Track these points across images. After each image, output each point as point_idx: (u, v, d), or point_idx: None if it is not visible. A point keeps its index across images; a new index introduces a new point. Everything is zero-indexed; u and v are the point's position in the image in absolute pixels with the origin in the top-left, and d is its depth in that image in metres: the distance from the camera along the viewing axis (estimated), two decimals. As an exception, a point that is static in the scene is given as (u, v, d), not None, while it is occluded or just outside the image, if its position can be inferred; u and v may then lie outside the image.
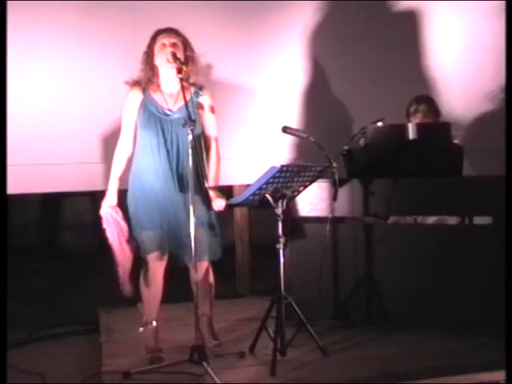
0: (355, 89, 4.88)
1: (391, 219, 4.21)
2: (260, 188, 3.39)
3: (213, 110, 3.66)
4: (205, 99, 3.63)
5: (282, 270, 3.48)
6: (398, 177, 3.93)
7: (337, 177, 3.74)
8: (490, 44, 5.01)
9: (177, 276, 3.66)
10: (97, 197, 3.94)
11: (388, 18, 5.02)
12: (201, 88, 3.62)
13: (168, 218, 3.50)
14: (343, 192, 3.97)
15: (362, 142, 4.01)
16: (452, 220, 4.14)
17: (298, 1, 4.81)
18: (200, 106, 3.61)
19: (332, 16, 4.88)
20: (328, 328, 3.97)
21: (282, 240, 3.46)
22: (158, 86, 3.60)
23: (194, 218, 3.26)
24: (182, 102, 3.44)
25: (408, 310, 3.98)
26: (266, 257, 3.94)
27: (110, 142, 4.20)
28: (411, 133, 3.98)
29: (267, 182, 3.37)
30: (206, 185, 3.39)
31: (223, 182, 3.74)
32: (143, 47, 3.62)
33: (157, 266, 3.55)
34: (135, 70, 3.63)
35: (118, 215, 3.55)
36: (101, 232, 3.56)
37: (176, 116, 3.54)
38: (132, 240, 3.55)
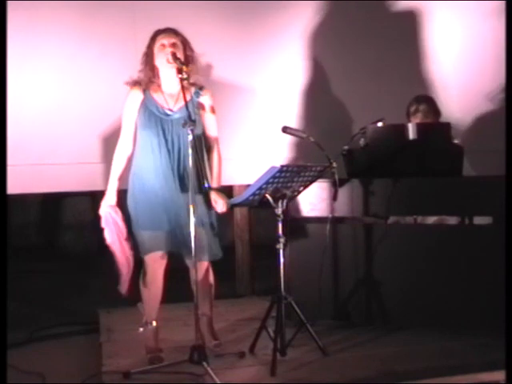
0: (355, 89, 4.88)
1: (391, 219, 4.21)
2: (260, 188, 3.39)
3: (213, 110, 3.66)
4: (205, 99, 3.63)
5: (282, 270, 3.48)
6: (398, 177, 3.93)
7: (337, 177, 3.74)
8: (489, 44, 5.01)
9: (177, 276, 3.66)
10: (97, 197, 3.94)
11: (388, 18, 5.02)
12: (201, 88, 3.62)
13: (168, 218, 3.49)
14: (343, 192, 3.97)
15: (361, 142, 4.01)
16: (452, 220, 4.14)
17: (298, 1, 4.81)
18: (200, 106, 3.61)
19: (332, 16, 4.88)
20: (328, 328, 3.97)
21: (281, 240, 3.46)
22: (159, 86, 3.60)
23: (195, 218, 3.26)
24: (182, 102, 3.43)
25: (408, 310, 3.98)
26: (265, 257, 3.94)
27: (110, 141, 4.20)
28: (411, 133, 3.98)
29: (267, 182, 3.37)
30: (206, 185, 3.39)
31: (223, 182, 3.74)
32: (143, 47, 3.62)
33: (157, 266, 3.55)
34: (135, 70, 3.63)
35: (118, 215, 3.55)
36: (101, 232, 3.56)
37: (176, 116, 3.54)
38: (131, 240, 3.55)
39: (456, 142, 4.31)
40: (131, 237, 3.55)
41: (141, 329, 3.62)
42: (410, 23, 5.04)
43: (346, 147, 4.05)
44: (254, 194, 3.43)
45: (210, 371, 3.20)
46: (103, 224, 3.55)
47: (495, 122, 4.73)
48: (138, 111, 3.57)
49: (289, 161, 4.70)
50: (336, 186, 3.78)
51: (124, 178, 3.59)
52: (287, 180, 3.44)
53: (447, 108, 4.69)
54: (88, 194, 7.36)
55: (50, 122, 4.43)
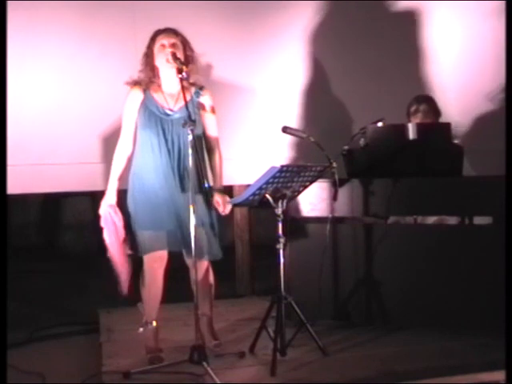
0: (355, 89, 4.88)
1: (391, 219, 4.21)
2: (260, 188, 3.39)
3: (213, 110, 3.66)
4: (205, 99, 3.63)
5: (282, 270, 3.48)
6: (398, 177, 3.93)
7: (337, 177, 3.74)
8: (489, 44, 5.01)
9: (177, 276, 3.66)
10: (97, 197, 3.94)
11: (388, 18, 5.02)
12: (201, 88, 3.62)
13: (168, 218, 3.49)
14: (343, 192, 3.97)
15: (361, 142, 4.01)
16: (452, 220, 4.14)
17: (298, 1, 4.81)
18: (201, 106, 3.61)
19: (332, 16, 4.88)
20: (328, 328, 3.97)
21: (281, 240, 3.46)
22: (159, 86, 3.60)
23: (195, 217, 3.26)
24: (182, 102, 3.43)
25: (408, 310, 3.98)
26: (265, 257, 3.94)
27: (110, 141, 4.20)
28: (411, 133, 3.98)
29: (267, 182, 3.37)
30: (206, 185, 3.39)
31: (223, 182, 3.74)
32: (143, 47, 3.62)
33: (157, 266, 3.56)
34: (135, 70, 3.63)
35: (117, 215, 3.55)
36: (101, 232, 3.56)
37: (177, 116, 3.54)
38: (130, 240, 3.55)
39: (456, 142, 4.31)
40: (131, 237, 3.55)
41: (141, 329, 3.62)
42: (409, 23, 5.04)
43: (345, 147, 4.05)
44: (254, 194, 3.43)
45: (210, 371, 3.20)
46: (102, 223, 3.55)
47: (495, 122, 4.73)
48: (138, 111, 3.57)
49: (289, 161, 4.70)
50: (336, 185, 3.78)
51: (124, 177, 3.59)
52: (287, 180, 3.44)
53: (447, 108, 4.69)
54: (88, 194, 7.35)
55: (50, 122, 4.43)
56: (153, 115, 3.54)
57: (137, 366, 3.42)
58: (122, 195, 3.60)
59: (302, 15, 4.84)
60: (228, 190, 4.08)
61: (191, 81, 3.56)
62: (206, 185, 3.38)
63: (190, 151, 3.28)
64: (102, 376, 3.41)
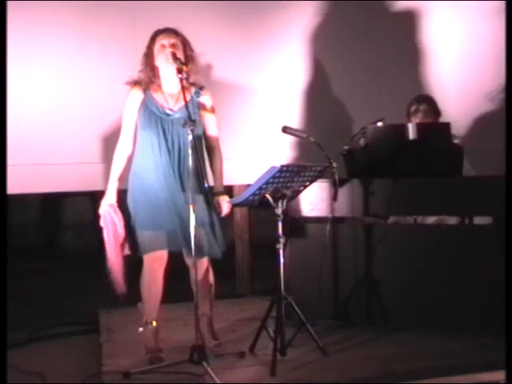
0: (355, 89, 4.88)
1: (391, 219, 4.21)
2: (260, 188, 3.39)
3: (213, 110, 3.66)
4: (205, 99, 3.64)
5: (282, 270, 3.48)
6: (398, 177, 3.93)
7: (337, 177, 3.74)
8: (489, 44, 5.01)
9: (177, 276, 3.66)
10: (97, 197, 3.94)
11: (388, 18, 5.02)
12: (201, 88, 3.62)
13: (168, 218, 3.49)
14: (343, 192, 3.97)
15: (361, 142, 4.01)
16: (452, 220, 4.14)
17: (298, 1, 4.81)
18: (201, 106, 3.62)
19: (332, 16, 4.88)
20: (328, 328, 3.97)
21: (281, 240, 3.46)
22: (159, 86, 3.60)
23: (195, 217, 3.26)
24: (182, 102, 3.43)
25: (408, 310, 3.98)
26: (265, 257, 3.94)
27: (110, 141, 4.21)
28: (411, 133, 3.98)
29: (267, 182, 3.37)
30: (206, 185, 3.39)
31: (223, 182, 3.74)
32: (143, 47, 3.62)
33: (157, 266, 3.56)
34: (135, 70, 3.63)
35: (117, 215, 3.55)
36: (101, 232, 3.56)
37: (177, 116, 3.54)
38: (129, 240, 3.55)
39: (456, 142, 4.31)
40: (130, 237, 3.55)
41: (141, 329, 3.62)
42: (409, 23, 5.04)
43: (346, 147, 4.05)
44: (254, 194, 3.43)
45: (210, 371, 3.19)
46: (102, 223, 3.55)
47: (495, 122, 4.73)
48: (139, 111, 3.57)
49: (289, 161, 4.70)
50: (336, 185, 3.78)
51: (124, 177, 3.59)
52: (287, 180, 3.44)
53: (447, 108, 4.69)
54: (88, 194, 7.36)
55: (50, 122, 4.43)
56: (153, 115, 3.54)
57: (137, 366, 3.42)
58: (122, 195, 3.60)
59: (302, 15, 4.84)
60: (228, 190, 4.08)
61: (191, 81, 3.56)
62: (206, 185, 3.38)
63: (190, 151, 3.28)
64: (102, 376, 3.41)
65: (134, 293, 3.60)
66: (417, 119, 4.40)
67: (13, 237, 6.78)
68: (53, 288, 6.00)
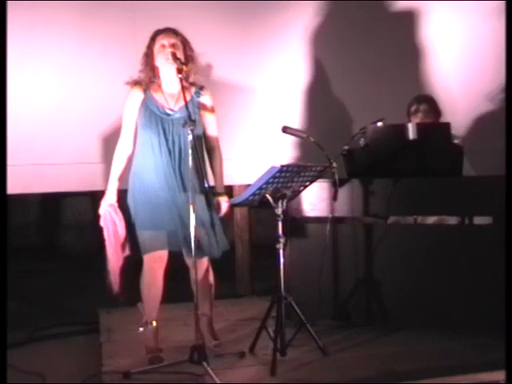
0: (355, 89, 4.88)
1: (391, 219, 4.21)
2: (260, 188, 3.39)
3: (213, 110, 3.66)
4: (205, 99, 3.64)
5: (282, 270, 3.48)
6: (398, 177, 3.93)
7: (337, 177, 3.74)
8: (490, 44, 5.01)
9: (177, 276, 3.66)
10: (97, 197, 3.94)
11: (388, 18, 5.02)
12: (201, 88, 3.63)
13: (168, 218, 3.49)
14: (343, 192, 3.97)
15: (361, 142, 4.01)
16: (452, 220, 4.14)
17: (298, 1, 4.81)
18: (201, 106, 3.62)
19: (332, 16, 4.88)
20: (328, 328, 3.97)
21: (281, 240, 3.46)
22: (159, 86, 3.60)
23: (195, 217, 3.26)
24: (183, 102, 3.43)
25: (408, 310, 3.98)
26: (265, 257, 3.94)
27: (110, 141, 4.21)
28: (411, 133, 3.98)
29: (267, 182, 3.37)
30: (206, 185, 3.39)
31: (223, 182, 3.74)
32: (143, 47, 3.62)
33: (157, 266, 3.55)
34: (135, 70, 3.63)
35: (117, 215, 3.55)
36: (101, 232, 3.56)
37: (177, 116, 3.54)
38: (129, 240, 3.55)
39: (456, 142, 4.31)
40: (130, 236, 3.55)
41: (141, 329, 3.62)
42: (409, 23, 5.04)
43: (346, 147, 4.05)
44: (254, 194, 3.43)
45: (210, 371, 3.19)
46: (102, 223, 3.55)
47: (495, 122, 4.73)
48: (139, 111, 3.57)
49: (289, 161, 4.70)
50: (336, 185, 3.77)
51: (124, 177, 3.59)
52: (287, 180, 3.44)
53: (447, 108, 4.69)
54: (88, 194, 7.35)
55: (50, 122, 4.43)
56: (153, 115, 3.54)
57: (137, 366, 3.42)
58: (122, 195, 3.60)
59: (302, 15, 4.84)
60: (228, 190, 4.09)
61: (191, 81, 3.57)
62: (206, 185, 3.38)
63: (190, 151, 3.28)
64: (102, 376, 3.41)
65: (134, 293, 3.60)
66: (417, 119, 4.40)
67: (13, 237, 6.78)
68: (53, 288, 6.00)
